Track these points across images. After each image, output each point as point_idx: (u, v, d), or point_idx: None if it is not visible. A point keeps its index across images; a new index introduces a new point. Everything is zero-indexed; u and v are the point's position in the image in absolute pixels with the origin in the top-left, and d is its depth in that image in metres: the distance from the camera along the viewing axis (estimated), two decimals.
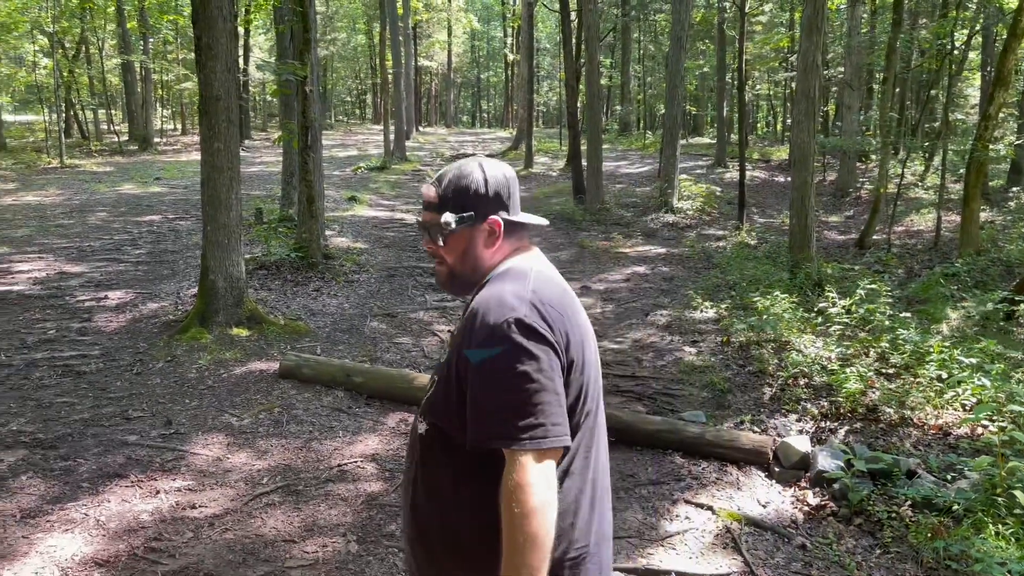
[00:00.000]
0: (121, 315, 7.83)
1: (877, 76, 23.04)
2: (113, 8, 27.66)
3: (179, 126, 37.20)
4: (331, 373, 6.01)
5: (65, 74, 26.65)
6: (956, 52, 14.88)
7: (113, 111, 35.18)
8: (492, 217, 1.62)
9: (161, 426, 5.18)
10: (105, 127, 33.57)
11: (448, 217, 1.60)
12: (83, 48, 31.16)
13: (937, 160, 17.74)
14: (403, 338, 7.47)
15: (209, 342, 6.82)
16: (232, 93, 7.02)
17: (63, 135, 24.34)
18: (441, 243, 1.64)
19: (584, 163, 16.08)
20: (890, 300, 7.51)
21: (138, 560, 3.61)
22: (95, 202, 15.40)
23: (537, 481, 1.36)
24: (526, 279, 1.54)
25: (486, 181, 1.63)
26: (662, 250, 12.24)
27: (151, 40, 28.83)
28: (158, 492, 4.29)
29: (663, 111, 26.61)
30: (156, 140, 29.53)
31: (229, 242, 7.14)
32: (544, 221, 1.79)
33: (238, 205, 7.23)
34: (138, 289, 8.82)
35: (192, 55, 31.19)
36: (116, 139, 29.65)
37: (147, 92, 28.90)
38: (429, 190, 1.65)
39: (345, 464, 4.71)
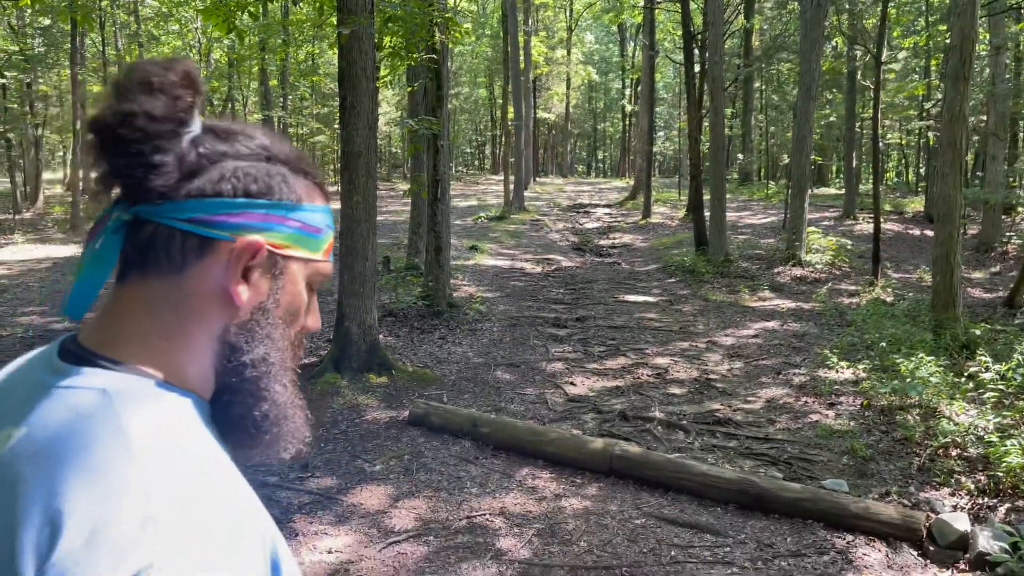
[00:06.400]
0: None
1: (1022, 125, 21.72)
2: (257, 68, 29.84)
3: None
4: (459, 423, 6.08)
5: None
6: None
7: None
8: None
9: (299, 469, 5.37)
10: None
11: None
12: (229, 105, 33.64)
13: None
14: (527, 389, 7.48)
15: (343, 387, 7.05)
16: (372, 149, 7.36)
17: None
18: None
19: (707, 214, 15.82)
20: None
21: None
22: None
23: None
24: None
25: None
26: (791, 305, 11.80)
27: (290, 97, 30.81)
28: (297, 535, 4.43)
29: (786, 161, 25.98)
30: None
31: (364, 290, 7.41)
32: None
33: (374, 256, 7.52)
34: None
35: (325, 110, 33.21)
36: None
37: None
38: None
39: (474, 516, 4.72)
